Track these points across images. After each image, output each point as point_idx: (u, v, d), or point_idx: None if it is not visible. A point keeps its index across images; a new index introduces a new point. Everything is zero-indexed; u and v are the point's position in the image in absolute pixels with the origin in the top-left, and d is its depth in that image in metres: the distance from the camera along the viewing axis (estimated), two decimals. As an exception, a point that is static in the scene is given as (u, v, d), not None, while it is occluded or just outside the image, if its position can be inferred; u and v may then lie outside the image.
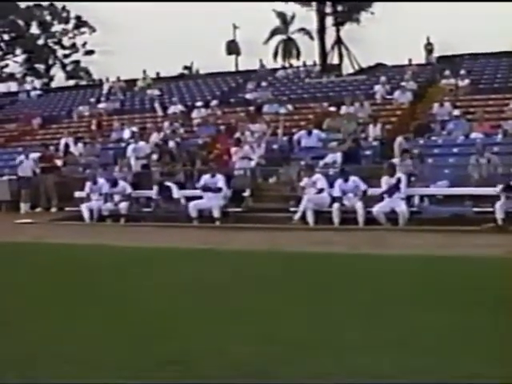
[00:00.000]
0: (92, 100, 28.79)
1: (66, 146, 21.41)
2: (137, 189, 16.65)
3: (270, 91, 25.61)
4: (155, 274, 8.61)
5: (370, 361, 4.71)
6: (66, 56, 55.25)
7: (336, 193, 14.00)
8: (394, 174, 13.73)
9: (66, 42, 54.64)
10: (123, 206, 15.85)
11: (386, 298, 6.61)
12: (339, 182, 14.10)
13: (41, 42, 53.86)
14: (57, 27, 54.10)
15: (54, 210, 18.10)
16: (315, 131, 18.49)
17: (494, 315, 5.76)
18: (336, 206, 13.74)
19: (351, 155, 16.20)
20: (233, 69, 44.37)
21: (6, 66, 52.97)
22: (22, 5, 51.71)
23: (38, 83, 46.18)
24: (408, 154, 14.84)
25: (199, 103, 24.60)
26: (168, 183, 15.96)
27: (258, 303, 6.62)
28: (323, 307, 6.43)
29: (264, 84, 26.90)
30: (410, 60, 27.33)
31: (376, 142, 17.80)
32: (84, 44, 54.40)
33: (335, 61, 44.93)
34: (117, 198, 16.14)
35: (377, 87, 23.11)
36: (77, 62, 55.57)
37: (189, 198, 15.49)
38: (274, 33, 54.15)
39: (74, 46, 54.71)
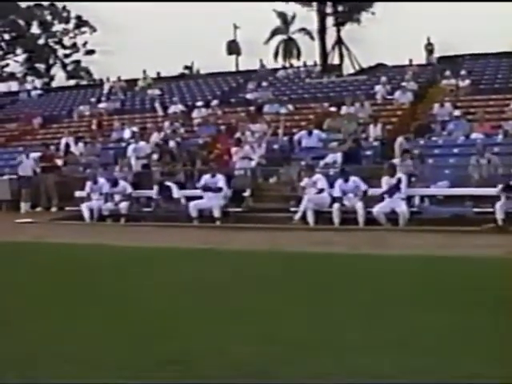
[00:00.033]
0: (92, 100, 28.79)
1: (67, 145, 21.42)
2: (137, 189, 16.65)
3: (270, 91, 25.61)
4: (155, 273, 8.61)
5: (371, 361, 4.71)
6: (66, 56, 55.30)
7: (336, 193, 14.00)
8: (395, 175, 13.73)
9: (66, 41, 54.77)
10: (123, 205, 15.85)
11: (386, 299, 6.61)
12: (339, 182, 14.10)
13: (41, 41, 53.90)
14: (57, 27, 54.21)
15: (54, 209, 18.11)
16: (316, 131, 18.49)
17: (494, 315, 5.76)
18: (336, 206, 13.73)
19: (351, 155, 16.20)
20: (233, 69, 44.39)
21: (7, 65, 53.06)
22: (23, 4, 51.85)
23: (38, 83, 46.21)
24: (408, 155, 14.84)
25: (200, 103, 24.60)
26: (168, 183, 15.96)
27: (259, 303, 6.62)
28: (323, 307, 6.43)
29: (264, 84, 26.90)
30: (410, 60, 27.32)
31: (376, 143, 17.81)
32: (84, 44, 54.45)
33: (336, 61, 45.05)
34: (117, 197, 16.15)
35: (377, 87, 23.11)
36: (77, 62, 55.62)
37: (189, 198, 15.49)
38: (274, 33, 54.17)
39: (74, 45, 54.76)
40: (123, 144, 20.66)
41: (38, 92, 35.76)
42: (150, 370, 4.72)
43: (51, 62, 54.92)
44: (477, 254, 9.16)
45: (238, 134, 18.93)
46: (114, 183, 16.36)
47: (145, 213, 16.12)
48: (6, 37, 52.75)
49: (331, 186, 14.21)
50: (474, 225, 12.00)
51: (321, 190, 14.17)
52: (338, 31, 46.17)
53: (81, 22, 53.71)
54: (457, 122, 17.90)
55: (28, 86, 37.36)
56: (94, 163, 19.23)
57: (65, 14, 53.77)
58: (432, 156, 16.00)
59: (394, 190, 13.52)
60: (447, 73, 23.70)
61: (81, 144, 21.33)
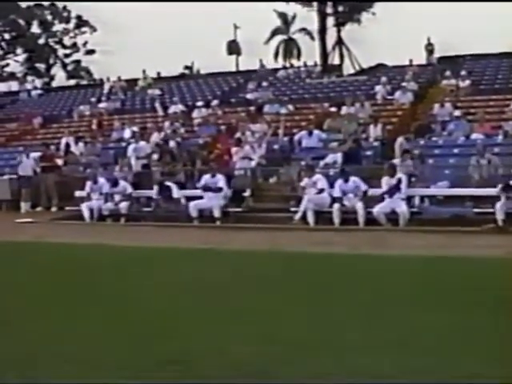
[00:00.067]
0: (93, 99, 28.79)
1: (67, 145, 21.42)
2: (137, 188, 16.65)
3: (270, 91, 25.61)
4: (155, 273, 8.61)
5: (371, 361, 4.71)
6: (66, 55, 55.31)
7: (336, 193, 14.00)
8: (395, 175, 13.72)
9: (66, 41, 54.79)
10: (123, 205, 15.85)
11: (386, 299, 6.61)
12: (339, 182, 14.10)
13: (42, 41, 53.91)
14: (58, 27, 54.23)
15: (54, 209, 18.11)
16: (316, 131, 18.49)
17: (494, 315, 5.76)
18: (336, 206, 13.73)
19: (352, 155, 16.20)
20: (233, 69, 44.37)
21: (7, 65, 53.08)
22: (23, 4, 51.87)
23: (38, 83, 46.17)
24: (408, 155, 14.84)
25: (200, 103, 24.60)
26: (168, 183, 15.96)
27: (259, 303, 6.62)
28: (324, 307, 6.43)
29: (265, 84, 26.90)
30: (410, 60, 27.30)
31: (377, 143, 17.80)
32: (85, 43, 54.45)
33: (336, 61, 45.06)
34: (117, 197, 16.15)
35: (377, 88, 23.10)
36: (77, 62, 55.63)
37: (189, 198, 15.49)
38: (274, 33, 54.16)
39: (74, 45, 54.77)
40: (123, 144, 20.66)
41: (39, 92, 35.75)
42: (149, 370, 4.72)
43: (51, 61, 54.93)
44: (477, 255, 9.16)
45: (238, 134, 18.93)
46: (114, 183, 16.36)
47: (145, 213, 16.12)
48: (7, 36, 52.78)
49: (331, 186, 14.20)
50: (474, 225, 12.00)
51: (321, 190, 14.17)
52: (339, 31, 46.19)
53: (81, 22, 53.73)
54: (457, 122, 17.90)
55: (28, 86, 37.34)
56: (94, 163, 19.23)
57: (65, 14, 53.80)
58: (432, 156, 15.99)
59: (394, 190, 13.52)
60: (447, 73, 23.69)
61: (81, 144, 21.33)
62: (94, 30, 53.42)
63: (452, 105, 19.70)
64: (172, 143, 19.62)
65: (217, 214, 14.84)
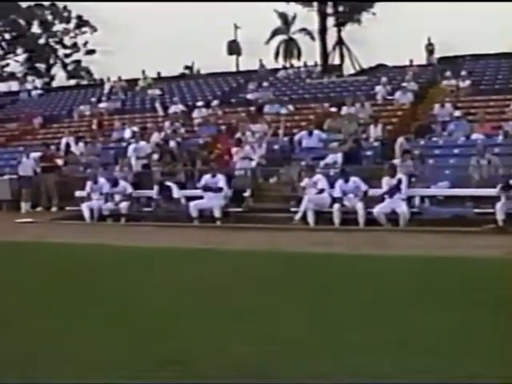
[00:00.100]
0: (93, 99, 28.78)
1: (67, 145, 21.42)
2: (137, 188, 16.65)
3: (271, 91, 25.60)
4: (156, 273, 8.61)
5: (371, 361, 4.71)
6: (67, 55, 55.31)
7: (336, 193, 13.99)
8: (395, 175, 13.73)
9: (67, 41, 54.79)
10: (124, 205, 15.85)
11: (386, 299, 6.61)
12: (340, 182, 14.10)
13: (42, 41, 53.92)
14: (58, 27, 54.24)
15: (54, 209, 18.12)
16: (316, 132, 18.49)
17: (493, 315, 5.76)
18: (336, 206, 13.73)
19: (352, 156, 16.20)
20: (234, 69, 44.38)
21: (7, 65, 53.09)
22: (24, 4, 51.89)
23: (39, 82, 46.13)
24: (409, 155, 14.84)
25: (200, 103, 24.59)
26: (168, 183, 15.96)
27: (259, 303, 6.62)
28: (324, 307, 6.43)
29: (265, 84, 26.89)
30: (411, 61, 27.29)
31: (377, 143, 17.80)
32: (85, 43, 54.46)
33: (336, 61, 45.03)
34: (117, 197, 16.15)
35: (378, 88, 23.09)
36: (78, 62, 55.63)
37: (189, 198, 15.49)
38: (275, 33, 54.16)
39: (75, 45, 54.78)
40: (123, 144, 20.66)
41: (39, 92, 35.73)
42: (150, 370, 4.72)
43: (52, 61, 54.94)
44: (477, 255, 9.17)
45: (238, 134, 18.93)
46: (115, 183, 16.36)
47: (145, 213, 16.12)
48: (7, 36, 52.80)
49: (331, 186, 14.20)
50: (475, 225, 12.00)
51: (321, 191, 14.17)
52: (339, 31, 46.18)
53: (81, 22, 53.74)
54: (457, 122, 17.89)
55: (28, 86, 37.31)
56: (95, 163, 19.22)
57: (65, 14, 53.81)
58: (432, 156, 15.99)
59: (394, 190, 13.52)
60: (448, 73, 23.68)
61: (81, 144, 21.33)
62: (94, 30, 53.46)
63: (452, 105, 19.70)
64: (172, 143, 19.62)
65: (217, 214, 14.84)
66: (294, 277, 8.10)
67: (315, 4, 43.81)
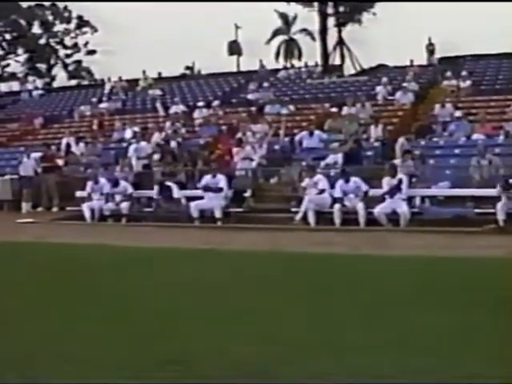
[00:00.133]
0: (94, 100, 28.80)
1: (68, 145, 21.43)
2: (138, 189, 16.66)
3: (271, 92, 25.61)
4: (156, 273, 8.61)
5: (371, 361, 4.71)
6: (67, 56, 55.30)
7: (337, 193, 13.99)
8: (396, 175, 13.72)
9: (67, 41, 54.77)
10: (124, 205, 15.86)
11: (386, 299, 6.61)
12: (340, 182, 14.10)
13: (43, 41, 53.92)
14: (59, 27, 54.22)
15: (55, 209, 18.12)
16: (317, 132, 18.49)
17: (494, 315, 5.76)
18: (337, 206, 13.73)
19: (352, 156, 16.21)
20: (234, 69, 44.36)
21: (8, 65, 53.11)
22: (24, 4, 51.87)
23: (39, 83, 46.10)
24: (409, 155, 14.84)
25: (201, 103, 24.62)
26: (168, 183, 15.96)
27: (259, 303, 6.62)
28: (324, 307, 6.43)
29: (266, 84, 26.90)
30: (411, 61, 27.30)
31: (377, 143, 17.80)
32: (86, 44, 54.45)
33: (337, 61, 45.06)
34: (118, 197, 16.15)
35: (378, 88, 23.10)
36: (78, 62, 55.61)
37: (190, 198, 15.49)
38: (275, 33, 54.13)
39: (75, 45, 54.77)
40: (124, 144, 20.67)
41: (40, 92, 35.71)
42: (150, 370, 4.72)
43: (52, 62, 54.94)
44: (478, 255, 9.16)
45: (239, 135, 18.94)
46: (115, 183, 16.36)
47: (146, 213, 16.12)
48: (8, 37, 52.79)
49: (332, 186, 14.20)
50: (475, 226, 12.00)
51: (322, 191, 14.17)
52: (339, 32, 46.16)
53: (82, 22, 53.74)
54: (458, 122, 17.89)
55: (29, 86, 37.25)
56: (95, 163, 19.23)
57: (66, 14, 53.80)
58: (433, 157, 15.99)
59: (394, 190, 13.52)
60: (448, 73, 23.69)
61: (82, 144, 21.34)
62: (95, 30, 53.45)
63: (453, 105, 19.70)
64: (173, 143, 19.62)
65: (218, 214, 14.83)
66: (294, 277, 8.10)
67: (316, 4, 43.82)
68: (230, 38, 51.65)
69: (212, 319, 6.04)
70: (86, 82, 51.39)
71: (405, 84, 22.78)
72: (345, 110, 20.35)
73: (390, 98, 22.41)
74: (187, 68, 52.00)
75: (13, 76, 50.14)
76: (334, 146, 17.03)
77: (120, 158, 18.53)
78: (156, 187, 16.03)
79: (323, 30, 44.42)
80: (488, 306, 6.07)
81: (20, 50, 53.31)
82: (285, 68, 37.19)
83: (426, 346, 5.05)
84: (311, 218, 13.83)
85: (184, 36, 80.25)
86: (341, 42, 46.57)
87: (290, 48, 54.80)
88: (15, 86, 40.20)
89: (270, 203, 15.51)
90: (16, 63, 53.32)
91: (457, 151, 16.23)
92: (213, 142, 19.79)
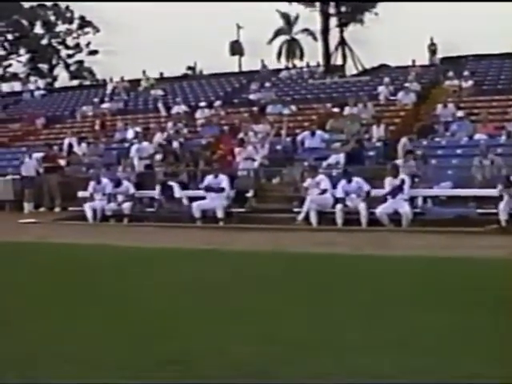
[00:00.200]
0: (96, 100, 28.81)
1: (70, 145, 21.45)
2: (140, 189, 16.67)
3: (273, 92, 25.61)
4: (157, 273, 8.61)
5: (371, 361, 4.71)
6: (69, 56, 55.33)
7: (339, 194, 13.99)
8: (398, 175, 13.72)
9: (69, 41, 54.80)
10: (126, 206, 15.86)
11: (386, 299, 6.61)
12: (342, 182, 14.10)
13: (44, 41, 53.95)
14: (61, 27, 54.24)
15: (57, 209, 18.14)
16: (318, 132, 18.48)
17: (494, 316, 5.75)
18: (339, 206, 13.72)
19: (354, 156, 16.20)
20: (236, 69, 44.34)
21: (10, 65, 53.16)
22: (26, 5, 51.89)
23: (41, 83, 46.17)
24: (411, 155, 14.83)
25: (203, 103, 24.63)
26: (170, 183, 15.96)
27: (259, 303, 6.62)
28: (324, 307, 6.43)
29: (267, 85, 26.89)
30: (413, 61, 27.31)
31: (379, 143, 17.79)
32: (88, 44, 54.47)
33: (339, 62, 45.02)
34: (120, 198, 16.16)
35: (380, 88, 23.09)
36: (80, 62, 55.63)
37: (192, 199, 15.49)
38: (277, 33, 54.13)
39: (77, 46, 54.81)
40: (126, 144, 20.66)
41: (41, 92, 35.73)
42: (150, 370, 4.72)
43: (54, 62, 54.97)
44: (480, 255, 9.15)
45: (241, 135, 18.93)
46: (117, 183, 16.37)
47: (148, 213, 16.12)
48: (10, 37, 52.83)
49: (334, 186, 14.20)
50: (477, 226, 11.99)
51: (324, 191, 14.17)
52: (341, 32, 46.13)
53: (84, 23, 53.78)
54: (460, 122, 17.88)
55: (31, 87, 37.27)
56: (97, 163, 19.25)
57: (68, 15, 53.84)
58: (435, 157, 15.97)
59: (396, 190, 13.51)
60: (450, 73, 23.69)
61: (84, 144, 21.36)
62: (97, 30, 53.49)
63: (455, 105, 19.67)
64: (175, 144, 19.63)
65: (220, 214, 14.84)
66: (295, 277, 8.10)
67: (317, 4, 43.80)
68: (231, 38, 51.64)
69: (212, 319, 6.04)
70: (87, 83, 51.38)
71: (407, 84, 22.77)
72: (347, 110, 20.34)
73: (392, 98, 22.40)
74: (189, 68, 51.96)
75: (15, 76, 50.20)
76: (336, 146, 17.03)
77: (122, 159, 18.53)
78: (158, 187, 16.04)
79: (325, 30, 44.43)
80: (488, 306, 6.06)
81: (22, 51, 53.37)
82: (287, 68, 37.19)
83: (426, 345, 5.04)
84: (313, 218, 13.83)
85: (186, 36, 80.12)
86: (343, 42, 46.54)
87: (292, 48, 54.78)
88: (17, 86, 40.26)
89: (272, 203, 15.52)
90: (18, 63, 53.48)
91: (459, 151, 16.21)
92: (215, 142, 19.79)
